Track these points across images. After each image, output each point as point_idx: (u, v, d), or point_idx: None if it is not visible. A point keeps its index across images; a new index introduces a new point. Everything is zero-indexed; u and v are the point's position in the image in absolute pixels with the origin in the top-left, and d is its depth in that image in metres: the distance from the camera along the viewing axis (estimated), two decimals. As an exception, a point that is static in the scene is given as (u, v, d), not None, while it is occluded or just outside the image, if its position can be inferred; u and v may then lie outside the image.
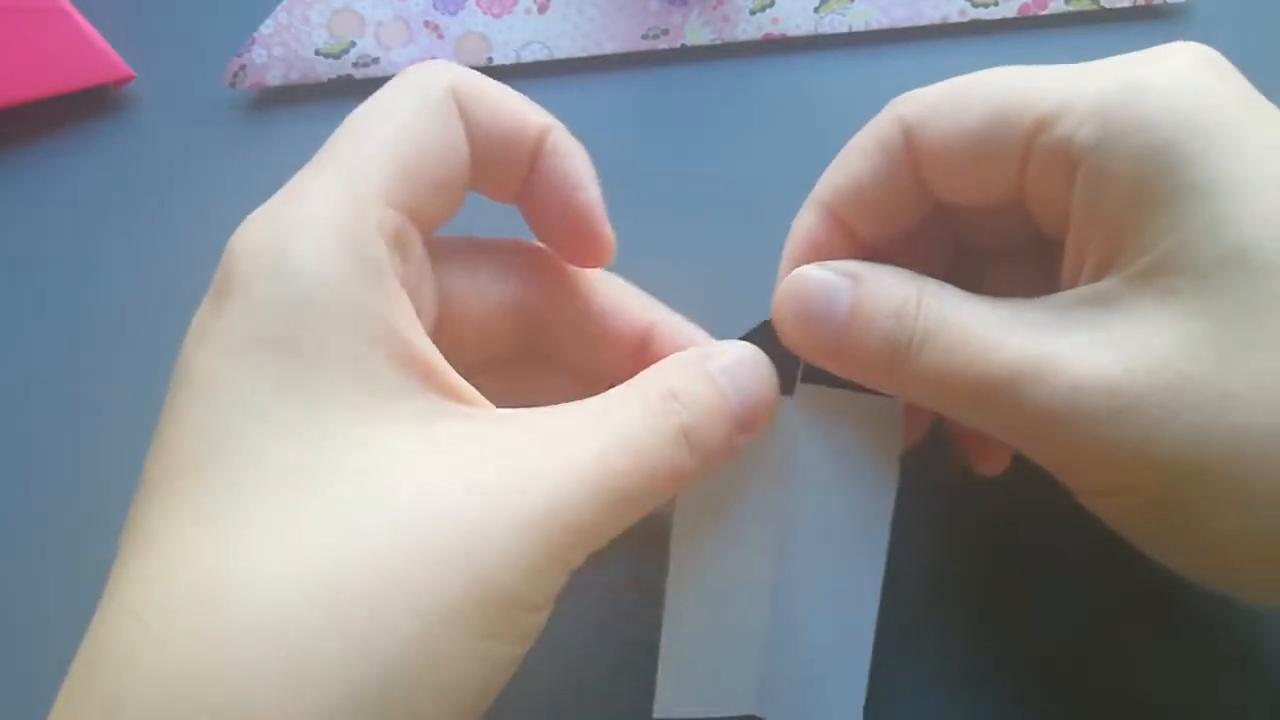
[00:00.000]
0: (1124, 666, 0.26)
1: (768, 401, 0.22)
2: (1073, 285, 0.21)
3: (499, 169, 0.22)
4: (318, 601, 0.16)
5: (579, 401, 0.20)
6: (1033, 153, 0.21)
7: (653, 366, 0.21)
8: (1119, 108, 0.20)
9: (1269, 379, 0.18)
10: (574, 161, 0.22)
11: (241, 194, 0.32)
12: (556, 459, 0.18)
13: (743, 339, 0.22)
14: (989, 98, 0.21)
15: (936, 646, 0.26)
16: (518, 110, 0.22)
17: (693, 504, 0.23)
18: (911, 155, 0.22)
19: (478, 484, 0.18)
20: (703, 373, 0.21)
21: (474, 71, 0.22)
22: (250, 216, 0.20)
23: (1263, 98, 0.20)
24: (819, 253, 0.23)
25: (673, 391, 0.20)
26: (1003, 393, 0.20)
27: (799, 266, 0.22)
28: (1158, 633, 0.26)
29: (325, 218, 0.19)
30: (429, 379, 0.19)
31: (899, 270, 0.22)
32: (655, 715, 0.23)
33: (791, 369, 0.23)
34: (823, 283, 0.22)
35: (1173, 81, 0.20)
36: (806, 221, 0.23)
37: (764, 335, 0.22)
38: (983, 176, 0.22)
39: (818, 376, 0.23)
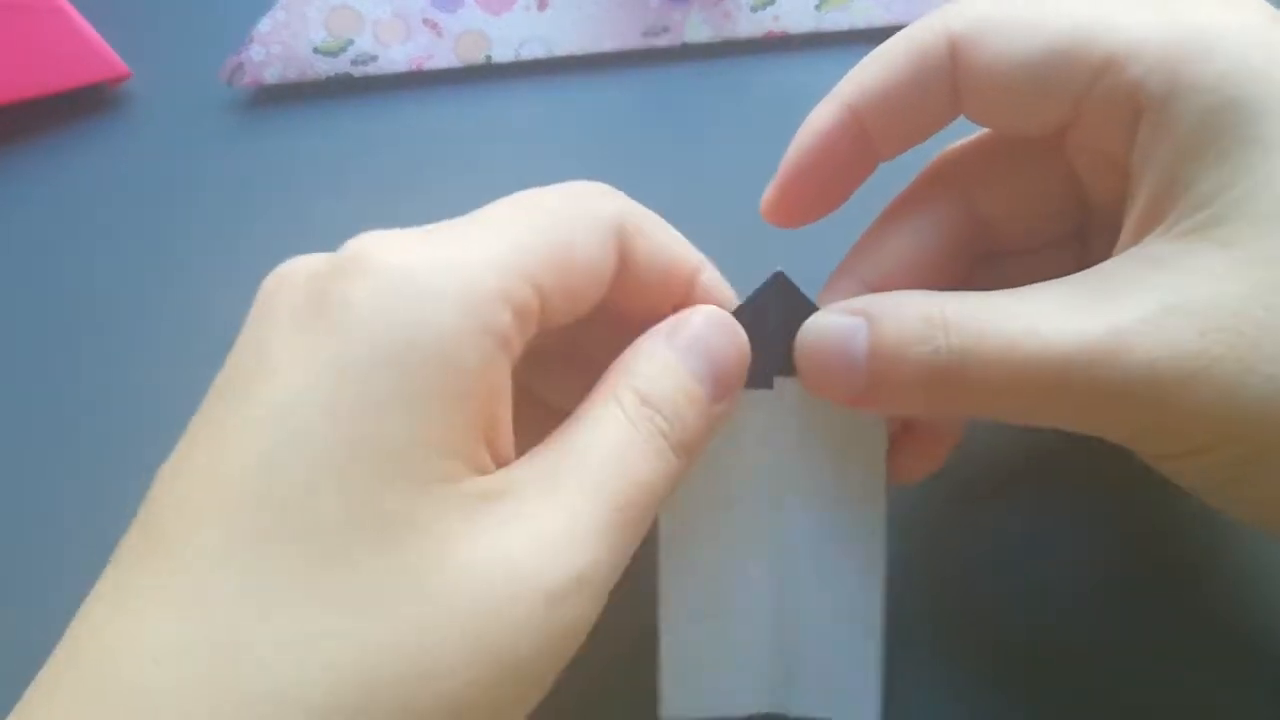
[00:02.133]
0: (1122, 668, 0.26)
1: (739, 364, 0.22)
2: (1123, 239, 0.21)
3: (650, 299, 0.22)
4: (352, 685, 0.16)
5: (567, 429, 0.20)
6: (1094, 93, 0.20)
7: (622, 359, 0.21)
8: (1188, 61, 0.19)
9: None
10: (723, 300, 0.23)
11: (238, 192, 0.33)
12: (558, 520, 0.18)
13: (751, 304, 0.22)
14: (1053, 25, 0.21)
15: (931, 650, 0.26)
16: (675, 251, 0.22)
17: (676, 501, 0.23)
18: (954, 70, 0.21)
19: (508, 560, 0.17)
20: (667, 361, 0.20)
21: (639, 206, 0.22)
22: (385, 236, 0.19)
23: None
24: (828, 149, 0.23)
25: (644, 396, 0.20)
26: (1071, 383, 0.19)
27: (804, 154, 0.22)
28: (1158, 634, 0.26)
29: (474, 272, 0.18)
30: (490, 455, 0.19)
31: (912, 294, 0.21)
32: (663, 715, 0.23)
33: (777, 357, 0.22)
34: (836, 328, 0.21)
35: (1242, 36, 0.19)
36: (824, 115, 0.23)
37: (766, 300, 0.22)
38: (1032, 107, 0.21)
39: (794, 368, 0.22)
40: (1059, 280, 0.20)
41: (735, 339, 0.22)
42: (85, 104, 0.33)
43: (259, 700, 0.15)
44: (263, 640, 0.16)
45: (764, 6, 0.33)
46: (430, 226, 0.19)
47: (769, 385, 0.23)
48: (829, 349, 0.21)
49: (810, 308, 0.22)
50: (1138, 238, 0.20)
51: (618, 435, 0.19)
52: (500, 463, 0.19)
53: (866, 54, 0.23)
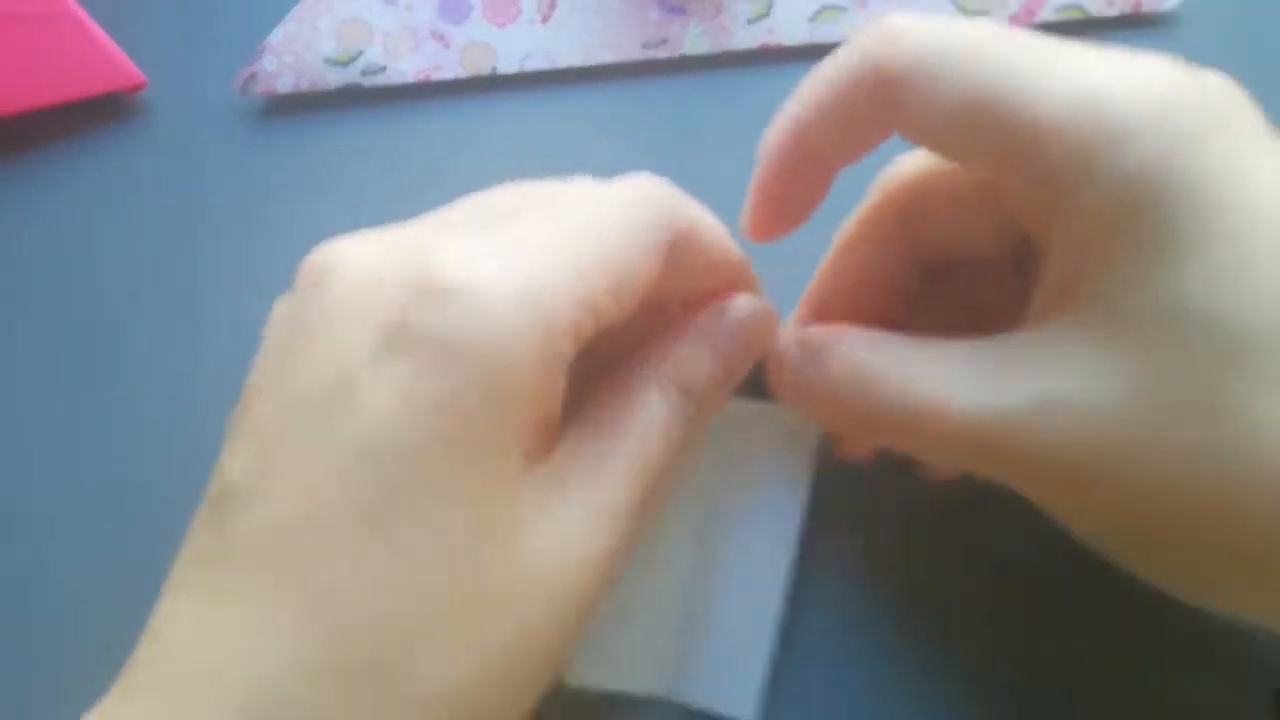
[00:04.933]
0: (1114, 667, 0.26)
1: (759, 350, 0.24)
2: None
3: (688, 291, 0.24)
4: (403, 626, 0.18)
5: (611, 410, 0.22)
6: (1013, 168, 0.20)
7: (665, 345, 0.23)
8: (1103, 150, 0.19)
9: (1188, 443, 0.18)
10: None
11: (252, 198, 0.33)
12: (602, 501, 0.20)
13: None
14: (976, 79, 0.20)
15: (923, 656, 0.27)
16: (724, 257, 0.24)
17: None
18: (888, 99, 0.21)
19: (566, 541, 0.20)
20: (701, 352, 0.23)
21: (696, 210, 0.23)
22: (457, 252, 0.19)
23: (1247, 126, 0.20)
24: (786, 168, 0.24)
25: (688, 387, 0.22)
26: (968, 451, 0.21)
27: (766, 176, 0.24)
28: (1149, 633, 0.26)
29: (549, 302, 0.19)
30: (543, 449, 0.21)
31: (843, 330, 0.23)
32: (567, 683, 0.25)
33: None
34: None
35: (1162, 125, 0.19)
36: (776, 137, 0.24)
37: None
38: (958, 153, 0.22)
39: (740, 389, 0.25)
40: (967, 345, 0.21)
41: (768, 327, 0.24)
42: (101, 112, 0.34)
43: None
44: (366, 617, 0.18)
45: (759, 19, 0.34)
46: (501, 219, 0.21)
47: None
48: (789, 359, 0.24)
49: None
50: (1043, 315, 0.21)
51: (658, 418, 0.21)
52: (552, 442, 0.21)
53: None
